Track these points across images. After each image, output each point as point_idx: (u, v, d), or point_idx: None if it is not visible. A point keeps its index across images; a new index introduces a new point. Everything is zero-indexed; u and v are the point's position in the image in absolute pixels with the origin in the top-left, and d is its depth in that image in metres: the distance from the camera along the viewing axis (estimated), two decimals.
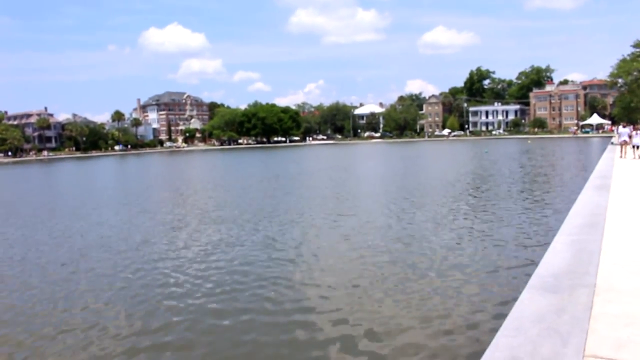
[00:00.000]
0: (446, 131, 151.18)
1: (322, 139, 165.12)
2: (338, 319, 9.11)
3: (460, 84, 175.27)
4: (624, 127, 33.42)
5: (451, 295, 10.06)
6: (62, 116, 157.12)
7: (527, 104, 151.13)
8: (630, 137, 30.63)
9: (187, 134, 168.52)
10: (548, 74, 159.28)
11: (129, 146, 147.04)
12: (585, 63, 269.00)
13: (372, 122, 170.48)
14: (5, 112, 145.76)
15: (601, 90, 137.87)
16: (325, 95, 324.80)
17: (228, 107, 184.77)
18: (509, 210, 19.70)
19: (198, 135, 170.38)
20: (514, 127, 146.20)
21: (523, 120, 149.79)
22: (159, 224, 20.10)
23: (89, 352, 8.24)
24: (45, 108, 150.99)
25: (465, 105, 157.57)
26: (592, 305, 5.06)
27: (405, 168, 45.97)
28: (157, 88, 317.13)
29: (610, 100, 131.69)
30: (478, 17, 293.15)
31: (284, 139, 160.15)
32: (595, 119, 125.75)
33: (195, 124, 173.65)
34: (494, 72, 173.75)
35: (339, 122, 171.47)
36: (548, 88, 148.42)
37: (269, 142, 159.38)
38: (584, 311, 4.88)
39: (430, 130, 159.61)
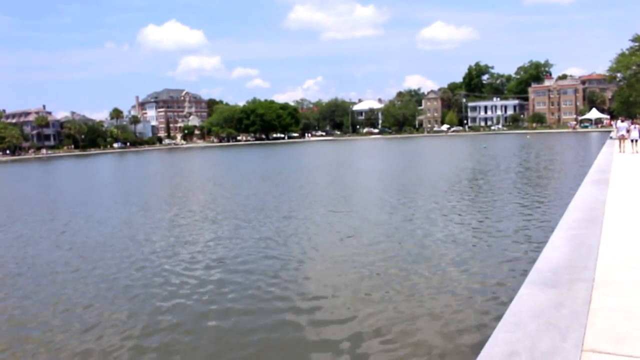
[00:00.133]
0: (445, 127, 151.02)
1: (321, 136, 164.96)
2: (339, 311, 9.15)
3: (459, 79, 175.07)
4: (622, 121, 33.40)
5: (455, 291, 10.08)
6: (60, 114, 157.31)
7: (526, 99, 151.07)
8: (628, 131, 30.66)
9: (186, 131, 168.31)
10: (547, 68, 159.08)
11: (128, 144, 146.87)
12: (584, 58, 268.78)
13: (370, 118, 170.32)
14: (4, 111, 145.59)
15: (600, 85, 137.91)
16: (324, 92, 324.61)
17: (227, 104, 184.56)
18: (507, 204, 19.72)
19: (197, 132, 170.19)
20: (513, 122, 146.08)
21: (522, 115, 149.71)
22: (160, 221, 20.11)
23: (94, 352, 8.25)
24: (44, 106, 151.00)
25: (464, 100, 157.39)
26: (590, 299, 5.06)
27: (404, 163, 45.97)
28: (156, 85, 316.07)
29: (609, 94, 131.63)
30: (476, 12, 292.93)
31: (282, 135, 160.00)
32: (594, 114, 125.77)
33: (194, 121, 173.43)
34: (492, 67, 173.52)
35: (337, 118, 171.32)
36: (547, 83, 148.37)
37: (268, 139, 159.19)
38: (583, 306, 4.89)
39: (429, 125, 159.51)
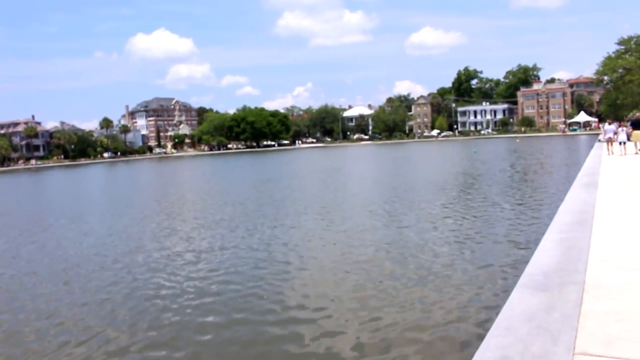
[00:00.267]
0: (435, 132, 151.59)
1: (312, 142, 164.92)
2: (332, 312, 9.13)
3: (448, 84, 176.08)
4: (609, 124, 33.64)
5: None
6: (49, 124, 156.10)
7: (515, 103, 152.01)
8: (615, 134, 30.94)
9: (176, 140, 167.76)
10: (535, 72, 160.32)
11: (118, 153, 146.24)
12: (572, 61, 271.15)
13: (361, 124, 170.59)
14: None
15: (587, 88, 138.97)
16: (314, 98, 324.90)
17: (217, 112, 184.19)
18: (499, 208, 19.80)
19: (187, 140, 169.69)
20: (503, 126, 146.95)
21: (511, 119, 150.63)
22: (152, 231, 20.01)
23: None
24: (33, 116, 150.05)
25: (454, 105, 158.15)
26: (581, 302, 5.08)
27: (395, 170, 46.03)
28: (145, 94, 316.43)
29: (596, 97, 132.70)
30: (464, 17, 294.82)
31: (273, 143, 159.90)
32: (582, 117, 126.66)
33: (184, 129, 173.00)
34: (481, 72, 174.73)
35: (328, 125, 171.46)
36: (535, 87, 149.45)
37: (259, 147, 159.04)
38: (574, 309, 4.91)
39: (420, 131, 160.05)
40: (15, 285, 13.04)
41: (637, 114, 37.61)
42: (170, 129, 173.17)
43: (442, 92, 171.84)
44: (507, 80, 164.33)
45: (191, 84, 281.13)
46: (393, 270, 12.03)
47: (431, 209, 20.75)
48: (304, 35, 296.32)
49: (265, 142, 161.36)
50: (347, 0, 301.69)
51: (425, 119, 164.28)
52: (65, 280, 13.19)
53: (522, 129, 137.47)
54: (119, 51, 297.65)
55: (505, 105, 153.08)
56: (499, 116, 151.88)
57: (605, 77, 65.92)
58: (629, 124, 32.40)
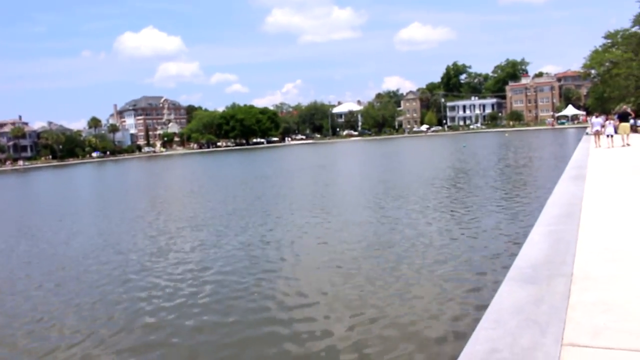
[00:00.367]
0: (424, 127, 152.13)
1: (301, 139, 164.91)
2: (316, 303, 9.15)
3: (437, 79, 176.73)
4: (596, 117, 33.93)
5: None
6: (37, 124, 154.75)
7: (504, 97, 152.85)
8: (603, 126, 31.27)
9: (166, 139, 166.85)
10: (523, 67, 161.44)
11: (107, 152, 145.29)
12: (559, 55, 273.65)
13: (350, 120, 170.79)
14: None
15: (575, 82, 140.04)
16: (304, 95, 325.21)
17: (206, 110, 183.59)
18: (489, 201, 19.91)
19: (176, 139, 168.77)
20: (492, 120, 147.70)
21: (500, 114, 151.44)
22: (141, 232, 19.93)
23: None
24: (20, 117, 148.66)
25: (443, 100, 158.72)
26: (569, 294, 5.14)
27: (385, 165, 46.10)
28: (134, 93, 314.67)
29: (584, 91, 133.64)
30: (453, 12, 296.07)
31: (262, 140, 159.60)
32: (570, 110, 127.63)
33: (173, 128, 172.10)
34: (470, 67, 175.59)
35: (317, 122, 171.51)
36: (524, 81, 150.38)
37: (248, 144, 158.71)
38: (562, 300, 4.96)
39: (409, 126, 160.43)
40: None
41: (624, 106, 37.93)
42: (159, 127, 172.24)
43: (431, 87, 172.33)
44: (495, 75, 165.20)
45: (180, 82, 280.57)
46: (386, 265, 12.06)
47: (422, 203, 20.80)
48: (293, 32, 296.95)
49: (254, 140, 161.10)
50: None
51: (415, 114, 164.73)
52: (57, 282, 13.13)
53: (511, 123, 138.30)
54: (107, 50, 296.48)
55: (494, 100, 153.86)
56: (488, 110, 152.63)
57: (593, 71, 66.32)
58: (616, 116, 32.71)
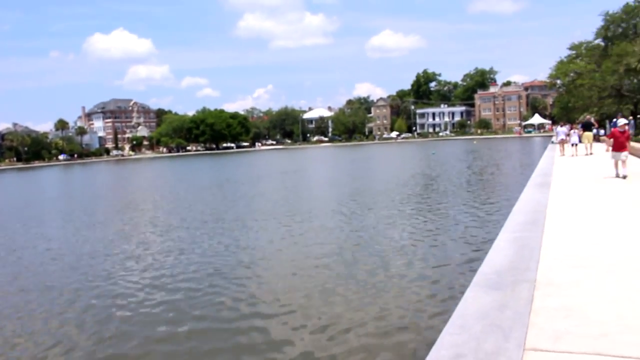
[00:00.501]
0: (394, 133, 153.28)
1: (272, 144, 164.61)
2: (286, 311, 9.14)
3: (407, 86, 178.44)
4: (562, 126, 34.74)
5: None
6: (1, 125, 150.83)
7: (473, 105, 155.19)
8: (568, 135, 32.19)
9: (135, 142, 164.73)
10: (492, 75, 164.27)
11: (75, 155, 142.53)
12: (527, 65, 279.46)
13: (321, 126, 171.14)
14: None
15: (542, 91, 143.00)
16: (275, 100, 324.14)
17: (176, 114, 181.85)
18: (456, 209, 20.15)
19: (146, 142, 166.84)
20: (460, 128, 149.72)
21: (469, 122, 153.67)
22: (108, 236, 19.62)
23: None
24: None
25: (413, 107, 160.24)
26: (532, 299, 5.24)
27: (354, 171, 46.28)
28: (103, 95, 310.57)
29: (550, 100, 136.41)
30: (424, 21, 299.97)
31: (232, 145, 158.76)
32: (536, 119, 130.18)
33: (142, 131, 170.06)
34: (440, 75, 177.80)
35: (288, 127, 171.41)
36: (492, 89, 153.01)
37: (218, 149, 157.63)
38: (525, 306, 5.05)
39: (379, 133, 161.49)
40: None
41: (588, 116, 38.86)
42: (128, 130, 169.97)
43: (402, 94, 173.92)
44: (464, 83, 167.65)
45: (150, 85, 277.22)
46: (352, 272, 12.10)
47: (388, 210, 20.93)
48: (265, 37, 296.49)
49: (224, 144, 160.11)
50: (308, 2, 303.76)
51: (385, 121, 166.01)
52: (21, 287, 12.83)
53: (479, 130, 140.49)
54: (76, 51, 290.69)
55: (463, 108, 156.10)
56: (457, 118, 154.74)
57: (558, 81, 67.67)
58: (579, 126, 33.47)
